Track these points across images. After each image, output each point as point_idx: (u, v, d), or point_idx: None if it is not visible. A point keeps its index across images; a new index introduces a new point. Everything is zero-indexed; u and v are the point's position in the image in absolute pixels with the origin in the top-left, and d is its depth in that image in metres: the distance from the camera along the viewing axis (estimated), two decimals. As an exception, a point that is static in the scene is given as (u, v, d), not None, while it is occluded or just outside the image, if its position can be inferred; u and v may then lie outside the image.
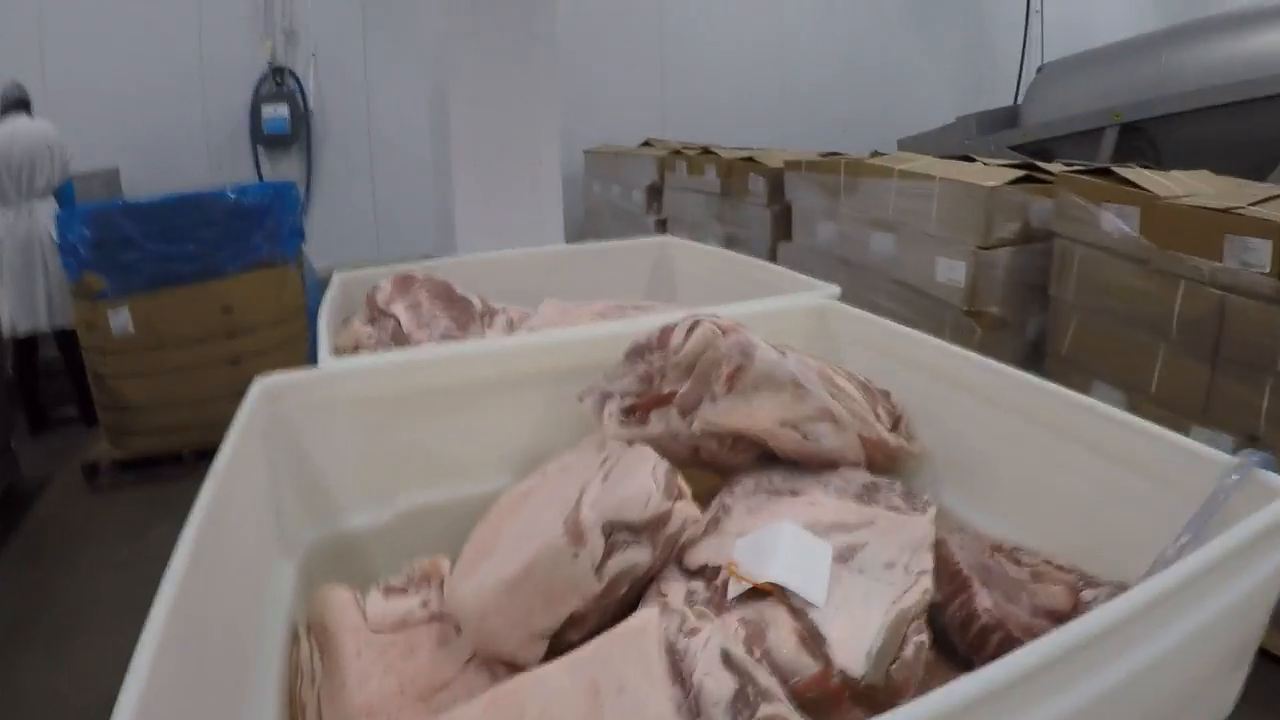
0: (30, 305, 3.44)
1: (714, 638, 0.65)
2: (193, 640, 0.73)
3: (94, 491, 3.19)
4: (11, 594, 2.57)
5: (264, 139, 5.26)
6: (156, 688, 0.62)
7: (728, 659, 0.63)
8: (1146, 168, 2.35)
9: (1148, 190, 2.05)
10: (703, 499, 1.12)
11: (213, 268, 3.13)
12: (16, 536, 2.92)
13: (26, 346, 3.56)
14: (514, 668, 0.86)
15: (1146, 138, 3.81)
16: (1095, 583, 0.87)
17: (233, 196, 3.13)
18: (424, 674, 0.87)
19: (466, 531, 1.06)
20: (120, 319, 3.04)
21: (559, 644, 0.84)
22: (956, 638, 0.88)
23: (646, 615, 0.67)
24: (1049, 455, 1.00)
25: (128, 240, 3.00)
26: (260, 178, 5.27)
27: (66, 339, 3.50)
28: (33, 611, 2.48)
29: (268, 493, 1.10)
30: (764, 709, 0.60)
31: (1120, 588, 0.86)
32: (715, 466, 1.10)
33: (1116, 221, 2.06)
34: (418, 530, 1.20)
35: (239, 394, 1.11)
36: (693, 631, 0.66)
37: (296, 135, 5.30)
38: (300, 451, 1.15)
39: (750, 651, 0.70)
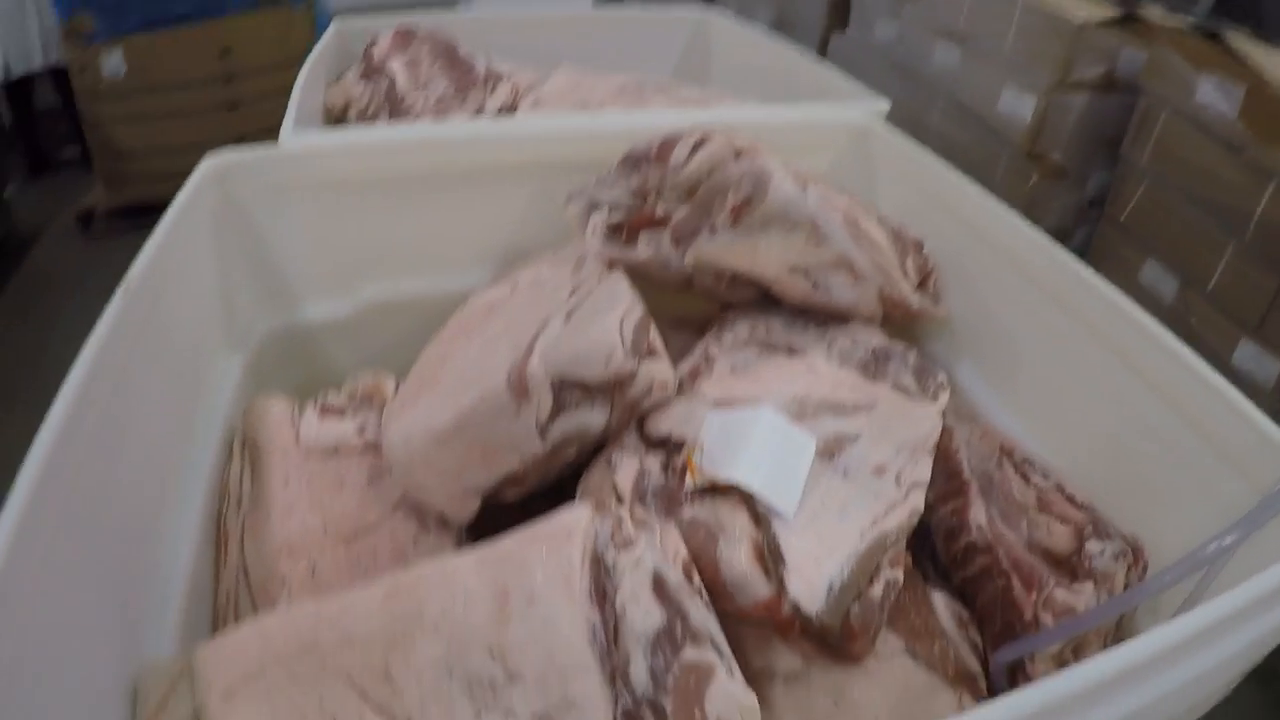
0: (23, 45, 3.24)
1: (648, 555, 0.55)
2: (102, 442, 0.64)
3: (88, 240, 3.10)
4: (-2, 350, 2.53)
5: None
6: (49, 496, 0.54)
7: (659, 586, 0.53)
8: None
9: (1259, 70, 1.78)
10: (693, 323, 1.01)
11: (212, 6, 2.91)
12: (7, 289, 2.85)
13: (22, 88, 3.40)
14: (444, 520, 0.77)
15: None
16: (1105, 531, 0.75)
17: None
18: (350, 513, 0.79)
19: (433, 330, 0.96)
20: (113, 61, 2.85)
21: (493, 500, 0.75)
22: (940, 543, 0.78)
23: (576, 517, 0.56)
24: (1089, 365, 0.85)
25: (120, -24, 2.76)
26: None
27: (63, 78, 3.33)
28: (19, 369, 2.43)
29: (215, 278, 0.99)
30: (689, 652, 0.50)
31: (1132, 545, 0.75)
32: (711, 298, 0.98)
33: (1215, 96, 1.81)
34: (381, 326, 1.11)
35: (238, 140, 1.00)
36: (626, 544, 0.55)
37: None
38: (255, 235, 1.04)
39: (696, 560, 0.60)
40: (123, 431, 0.69)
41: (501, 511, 0.76)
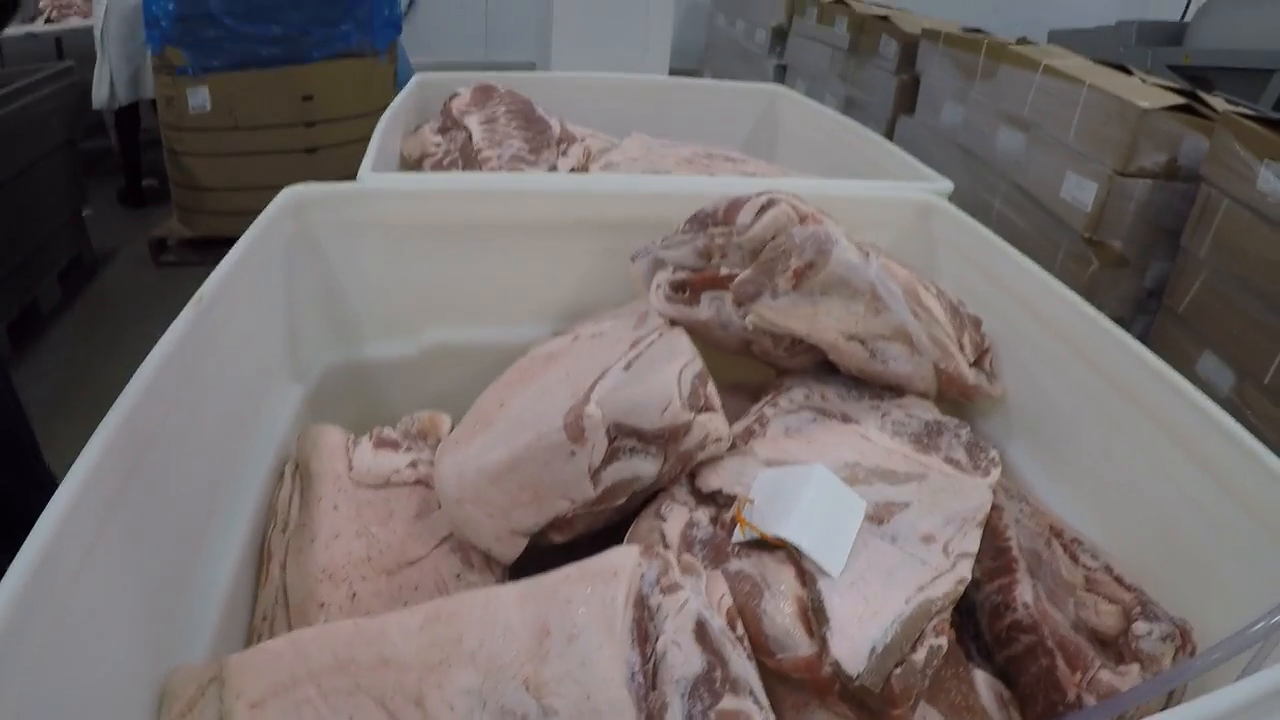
0: (132, 74, 3.38)
1: (693, 601, 0.55)
2: (155, 450, 0.65)
3: (159, 268, 3.20)
4: (60, 365, 2.60)
5: (377, -79, 5.01)
6: (95, 494, 0.56)
7: (702, 632, 0.53)
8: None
9: None
10: (748, 390, 1.02)
11: (297, 53, 3.02)
12: (75, 308, 2.93)
13: (129, 115, 3.52)
14: (488, 558, 0.78)
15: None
16: (1154, 613, 0.74)
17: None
18: (395, 544, 0.79)
19: (491, 378, 0.97)
20: (199, 96, 2.97)
21: (540, 543, 0.75)
22: (985, 620, 0.77)
23: (623, 557, 0.57)
24: (1141, 443, 0.84)
25: (211, 17, 2.89)
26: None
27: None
28: (77, 383, 2.50)
29: (283, 306, 1.02)
30: (728, 700, 0.50)
31: (1181, 627, 0.73)
32: (768, 363, 0.98)
33: (1276, 183, 1.80)
34: (441, 369, 1.12)
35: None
36: (671, 588, 0.55)
37: (412, -80, 5.05)
38: (326, 269, 1.06)
39: (740, 613, 0.60)
40: (177, 442, 0.70)
41: (546, 556, 0.76)
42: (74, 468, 0.55)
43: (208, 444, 0.79)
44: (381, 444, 0.89)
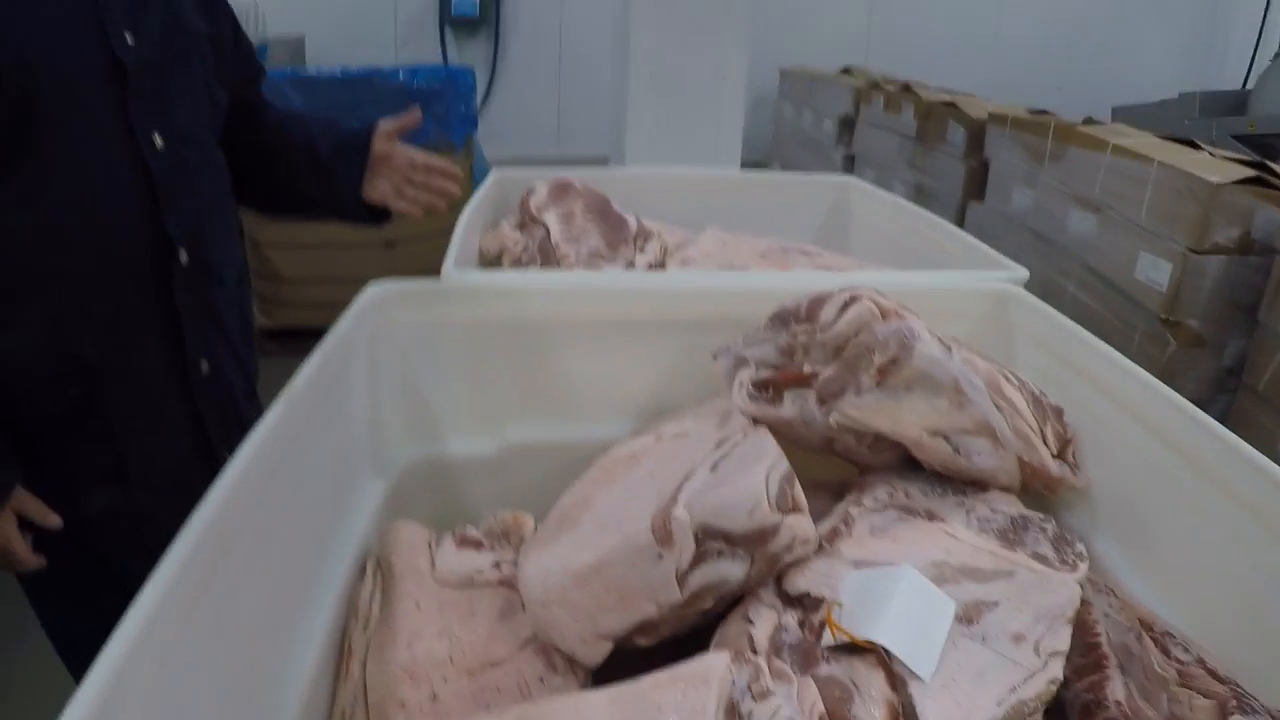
0: None
1: (785, 708, 0.53)
2: (238, 552, 0.66)
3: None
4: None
5: (452, 20, 5.17)
6: (182, 589, 0.56)
7: (799, 744, 0.52)
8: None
9: None
10: (832, 489, 1.00)
11: (378, 143, 3.11)
12: None
13: None
14: (572, 661, 0.77)
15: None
16: (1251, 706, 0.70)
17: (403, 78, 3.09)
18: (478, 645, 0.79)
19: (572, 476, 0.97)
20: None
21: (624, 647, 0.74)
22: (1074, 718, 0.74)
23: (715, 662, 0.56)
24: (1228, 529, 0.81)
25: (293, 112, 3.01)
26: (445, 59, 5.22)
27: None
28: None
29: (367, 402, 1.03)
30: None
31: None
32: (850, 460, 0.97)
33: None
34: (522, 467, 1.12)
35: (391, 276, 1.06)
36: (763, 695, 0.54)
37: (485, 19, 5.19)
38: (409, 365, 1.08)
39: (831, 719, 0.58)
40: (263, 538, 0.71)
41: (630, 661, 0.75)
42: (161, 564, 0.56)
43: (291, 539, 0.80)
44: (465, 543, 0.90)
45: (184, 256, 1.14)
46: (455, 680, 0.76)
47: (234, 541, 0.65)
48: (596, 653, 0.74)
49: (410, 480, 1.07)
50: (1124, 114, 4.42)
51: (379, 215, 1.43)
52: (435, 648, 0.78)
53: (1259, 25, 5.83)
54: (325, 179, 1.38)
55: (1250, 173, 2.10)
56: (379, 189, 1.38)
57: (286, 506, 0.77)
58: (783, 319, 0.96)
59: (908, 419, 0.87)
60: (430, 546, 0.89)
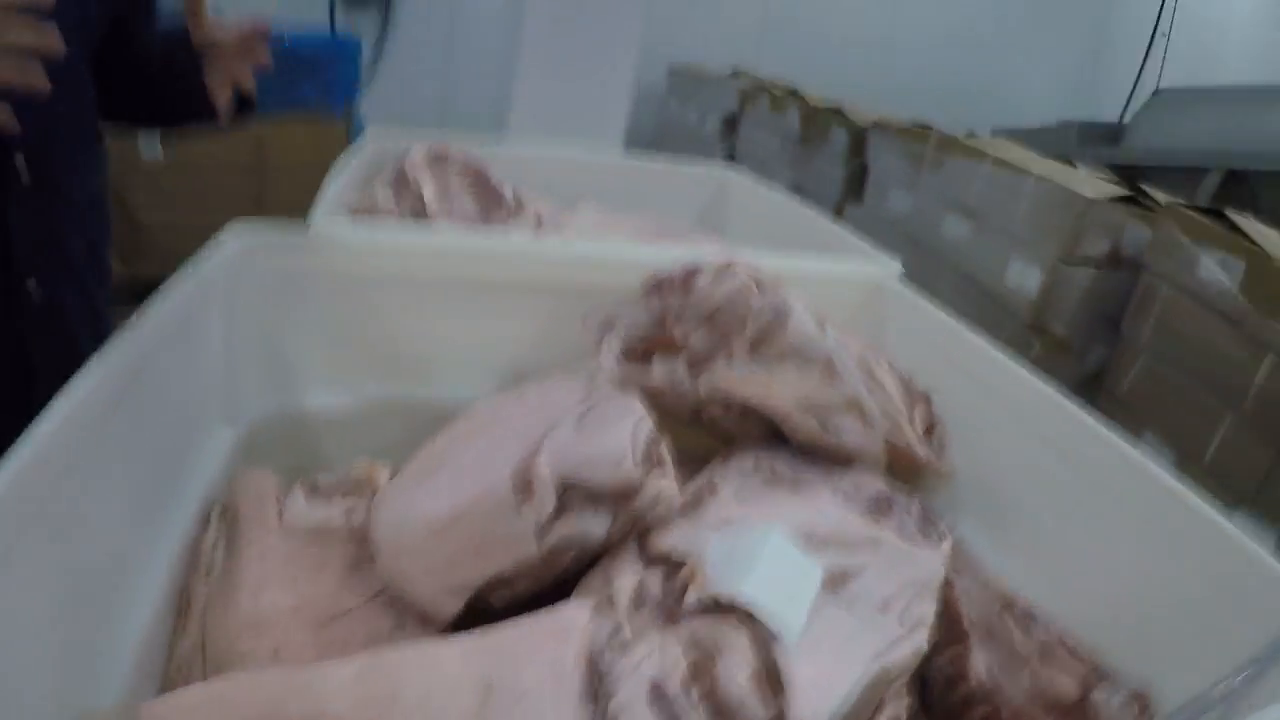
0: None
1: (647, 663, 0.52)
2: (64, 496, 0.61)
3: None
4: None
5: (342, -14, 5.02)
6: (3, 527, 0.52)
7: (657, 695, 0.50)
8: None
9: (1259, 246, 1.83)
10: (695, 462, 1.00)
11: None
12: None
13: None
14: (425, 617, 0.74)
15: (1250, 189, 3.54)
16: (1111, 680, 0.73)
17: (287, 44, 2.99)
18: (325, 597, 0.75)
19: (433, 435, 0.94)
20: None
21: (478, 603, 0.72)
22: (937, 693, 0.75)
23: (574, 614, 0.54)
24: (1091, 514, 0.84)
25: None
26: (332, 26, 5.05)
27: None
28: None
29: (220, 347, 0.98)
30: (684, 769, 0.47)
31: (1139, 696, 0.72)
32: (717, 432, 0.96)
33: (1217, 271, 1.86)
34: (382, 424, 1.09)
35: (256, 220, 1.00)
36: (624, 647, 0.53)
37: (376, -9, 5.06)
38: (268, 312, 1.03)
39: (693, 679, 0.57)
40: (97, 478, 0.67)
41: (482, 621, 0.73)
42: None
43: (131, 482, 0.75)
44: (315, 492, 0.86)
45: (24, 173, 1.06)
46: (300, 633, 0.73)
47: (60, 482, 0.60)
48: (448, 608, 0.71)
49: (264, 432, 1.03)
50: (1004, 135, 4.58)
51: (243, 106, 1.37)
52: (280, 599, 0.74)
53: (1139, 63, 6.13)
54: (176, 78, 1.30)
55: (1124, 191, 2.21)
56: (213, 80, 1.31)
57: (125, 444, 0.73)
58: (656, 285, 0.95)
59: (778, 391, 0.87)
60: (280, 495, 0.85)
